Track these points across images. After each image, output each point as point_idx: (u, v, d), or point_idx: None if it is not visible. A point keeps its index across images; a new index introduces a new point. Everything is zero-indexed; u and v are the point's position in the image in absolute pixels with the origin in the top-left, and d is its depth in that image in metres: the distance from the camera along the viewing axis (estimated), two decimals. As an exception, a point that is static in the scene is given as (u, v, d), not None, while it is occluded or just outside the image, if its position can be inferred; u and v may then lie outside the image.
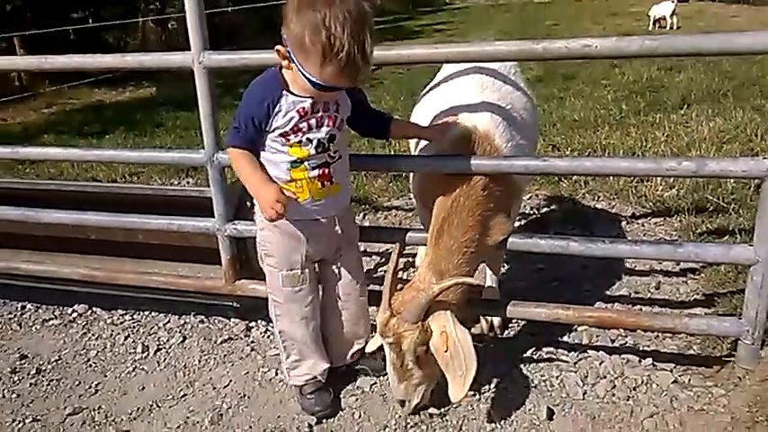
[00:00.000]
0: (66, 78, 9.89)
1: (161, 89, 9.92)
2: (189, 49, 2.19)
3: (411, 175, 2.35)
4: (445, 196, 1.95)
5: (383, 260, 3.16)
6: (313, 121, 1.78)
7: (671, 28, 14.37)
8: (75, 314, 2.78)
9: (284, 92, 1.74)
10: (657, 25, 14.80)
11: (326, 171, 1.85)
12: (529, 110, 2.23)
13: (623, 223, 3.44)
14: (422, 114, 2.25)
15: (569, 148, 4.73)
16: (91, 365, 2.42)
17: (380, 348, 2.29)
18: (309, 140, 1.79)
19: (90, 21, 14.44)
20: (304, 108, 1.75)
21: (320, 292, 2.12)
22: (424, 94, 2.43)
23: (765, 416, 1.86)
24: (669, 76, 7.50)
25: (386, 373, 2.13)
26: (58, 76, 9.66)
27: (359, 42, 1.56)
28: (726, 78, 7.01)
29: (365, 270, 2.98)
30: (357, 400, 2.14)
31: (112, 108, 8.81)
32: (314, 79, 1.63)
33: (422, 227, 3.20)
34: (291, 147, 1.79)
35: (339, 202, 1.96)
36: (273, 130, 1.77)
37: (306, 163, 1.82)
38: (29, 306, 2.88)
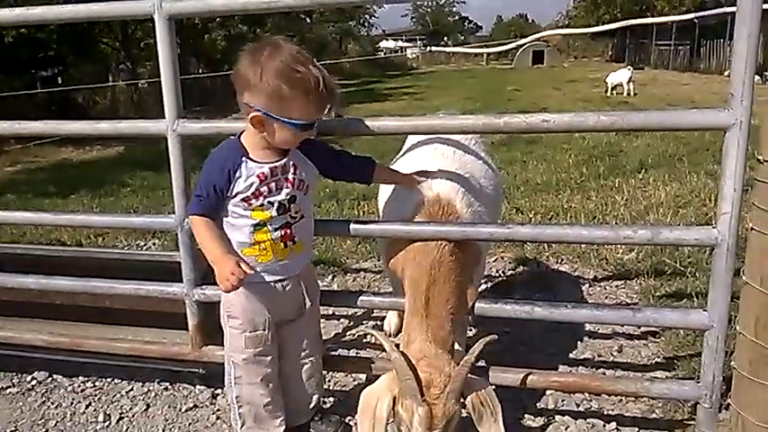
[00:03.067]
0: (32, 136, 9.82)
1: (128, 149, 9.92)
2: (160, 108, 2.23)
3: (378, 241, 2.40)
4: (419, 264, 1.98)
5: (351, 323, 3.16)
6: (273, 185, 1.85)
7: (627, 94, 15.05)
8: (34, 381, 2.70)
9: (243, 158, 1.83)
10: (615, 91, 15.47)
11: (288, 231, 1.91)
12: (488, 178, 2.32)
13: (586, 286, 3.53)
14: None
15: (533, 212, 4.86)
16: (49, 436, 2.35)
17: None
18: (271, 203, 1.85)
19: (59, 79, 14.49)
20: (263, 173, 1.83)
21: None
22: (394, 162, 2.51)
23: (726, 480, 1.90)
24: (627, 140, 7.81)
25: None
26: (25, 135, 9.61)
27: (321, 71, 1.73)
28: (681, 143, 7.35)
29: (333, 334, 3.01)
30: (325, 469, 2.11)
31: (78, 167, 8.76)
32: (300, 121, 1.74)
33: (390, 290, 3.24)
34: (253, 210, 1.85)
35: (302, 261, 2.01)
36: (235, 196, 1.83)
37: (268, 225, 1.87)
38: (-15, 373, 2.79)
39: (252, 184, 1.82)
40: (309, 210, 1.99)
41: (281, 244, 1.90)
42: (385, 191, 2.39)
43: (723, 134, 1.85)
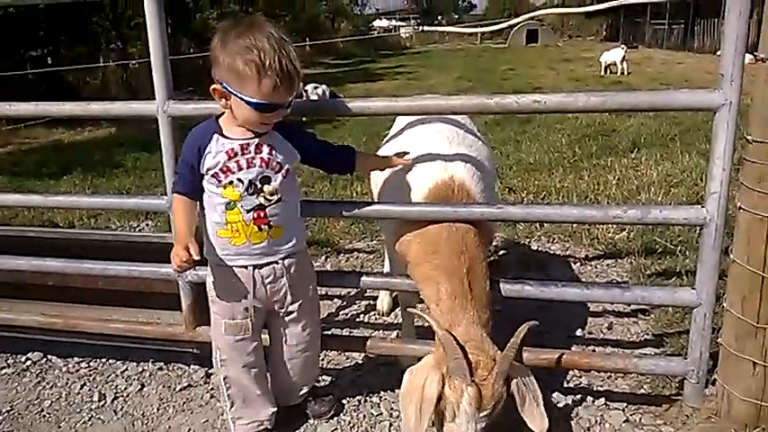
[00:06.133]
0: (22, 118, 9.72)
1: (120, 129, 9.85)
2: (151, 89, 2.23)
3: (384, 226, 2.42)
4: (448, 249, 1.95)
5: (345, 304, 3.19)
6: (243, 162, 1.84)
7: (621, 73, 15.01)
8: (28, 362, 2.72)
9: (215, 134, 1.85)
10: (609, 71, 15.43)
11: (262, 214, 1.87)
12: (489, 158, 2.32)
13: (577, 265, 3.56)
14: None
15: (525, 192, 4.88)
16: (45, 416, 2.37)
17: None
18: (240, 181, 1.84)
19: (49, 59, 14.32)
20: (233, 149, 1.84)
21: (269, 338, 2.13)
22: (387, 141, 2.49)
23: (711, 453, 1.94)
24: (620, 120, 7.80)
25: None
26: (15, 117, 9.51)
27: (287, 54, 1.72)
28: (673, 123, 7.36)
29: (327, 314, 3.03)
30: (318, 446, 2.14)
31: (70, 148, 8.70)
32: (254, 100, 1.73)
33: (383, 270, 3.26)
34: (224, 188, 1.84)
35: (282, 247, 1.95)
36: (207, 172, 1.84)
37: (239, 205, 1.85)
38: (-20, 354, 2.80)
39: (220, 161, 1.83)
40: (291, 193, 1.95)
41: (255, 227, 1.87)
42: (382, 175, 2.32)
43: (713, 114, 1.86)
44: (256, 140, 1.86)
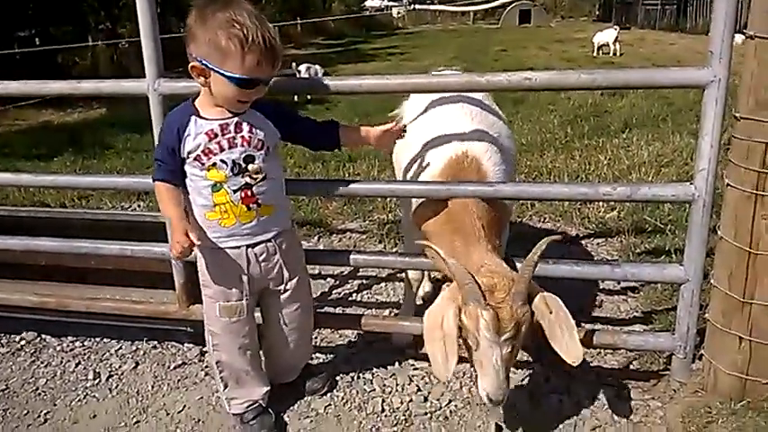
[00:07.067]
0: (11, 98, 9.63)
1: (111, 110, 9.77)
2: (141, 69, 2.21)
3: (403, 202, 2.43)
4: (464, 217, 1.96)
5: (337, 282, 3.21)
6: (224, 143, 1.82)
7: (614, 54, 15.00)
8: (23, 342, 2.72)
9: (193, 116, 1.82)
10: (601, 51, 15.40)
11: (249, 193, 1.86)
12: (510, 137, 2.32)
13: (568, 244, 3.58)
14: (411, 142, 2.26)
15: (517, 172, 4.88)
16: (40, 394, 2.38)
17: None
18: (224, 162, 1.82)
19: (37, 40, 14.13)
20: (212, 130, 1.82)
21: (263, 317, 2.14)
22: (411, 122, 2.46)
23: (696, 426, 1.97)
24: (612, 101, 7.83)
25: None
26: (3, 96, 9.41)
27: (268, 29, 1.71)
28: (665, 104, 7.38)
29: (320, 293, 3.05)
30: (312, 422, 2.17)
31: (60, 129, 8.63)
32: (237, 75, 1.71)
33: (376, 249, 3.27)
34: (208, 170, 1.82)
35: (272, 225, 1.95)
36: (188, 155, 1.81)
37: (225, 186, 1.84)
38: (-26, 334, 2.81)
39: (200, 143, 1.80)
40: (276, 171, 1.94)
41: (244, 206, 1.86)
42: (403, 149, 2.32)
43: (702, 92, 1.87)
44: (235, 119, 1.84)
